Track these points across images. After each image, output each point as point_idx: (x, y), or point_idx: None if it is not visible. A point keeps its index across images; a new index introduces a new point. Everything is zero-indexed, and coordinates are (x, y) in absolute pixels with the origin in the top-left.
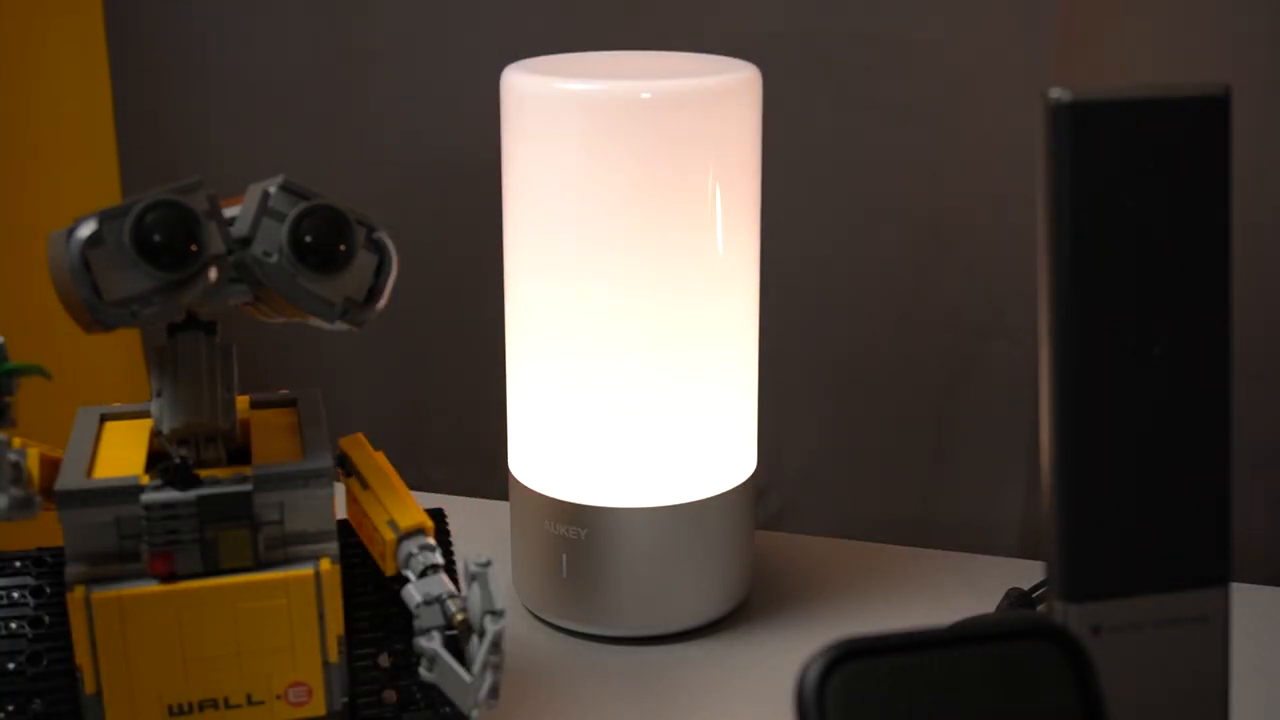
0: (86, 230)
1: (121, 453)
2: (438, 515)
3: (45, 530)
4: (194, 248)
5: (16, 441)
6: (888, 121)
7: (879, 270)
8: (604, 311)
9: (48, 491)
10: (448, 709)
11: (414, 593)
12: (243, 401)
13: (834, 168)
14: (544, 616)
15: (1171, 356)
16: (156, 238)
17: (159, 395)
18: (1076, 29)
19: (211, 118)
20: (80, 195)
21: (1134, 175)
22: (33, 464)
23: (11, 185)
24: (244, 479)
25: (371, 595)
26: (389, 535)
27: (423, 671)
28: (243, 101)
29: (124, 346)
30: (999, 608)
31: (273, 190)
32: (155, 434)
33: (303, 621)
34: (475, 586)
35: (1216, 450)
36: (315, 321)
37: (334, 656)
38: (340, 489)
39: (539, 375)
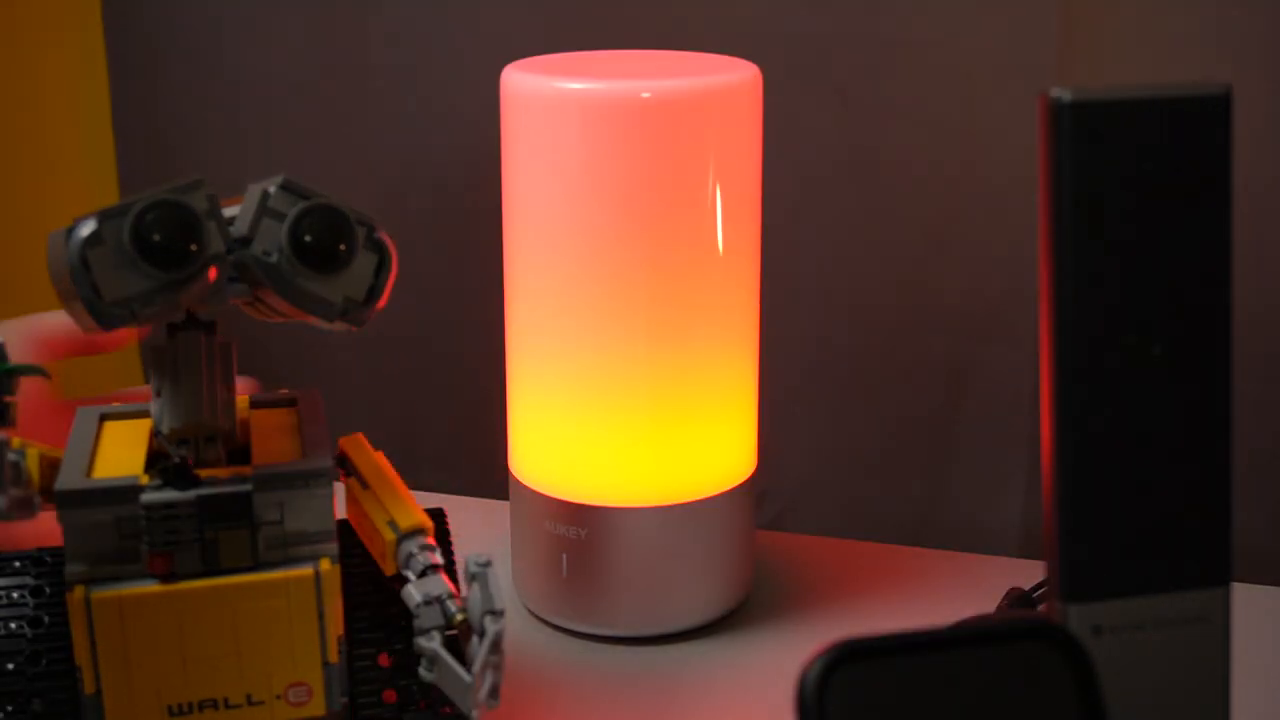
0: (86, 230)
1: (121, 453)
2: (438, 515)
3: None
4: (194, 247)
5: (16, 441)
6: (888, 121)
7: (879, 270)
8: (604, 311)
9: (48, 491)
10: (448, 709)
11: (414, 593)
12: (243, 401)
13: (834, 168)
14: (544, 616)
15: (1171, 356)
16: (156, 237)
17: (158, 395)
18: (1076, 29)
19: (210, 117)
20: (78, 195)
21: (1134, 175)
22: (32, 464)
23: (9, 185)
24: (244, 479)
25: (371, 595)
26: (389, 535)
27: (423, 671)
28: (241, 101)
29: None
30: (999, 608)
31: (273, 190)
32: (155, 434)
33: (303, 621)
34: (475, 586)
35: (1216, 450)
36: (315, 321)
37: (334, 656)
38: (340, 489)
39: (539, 375)
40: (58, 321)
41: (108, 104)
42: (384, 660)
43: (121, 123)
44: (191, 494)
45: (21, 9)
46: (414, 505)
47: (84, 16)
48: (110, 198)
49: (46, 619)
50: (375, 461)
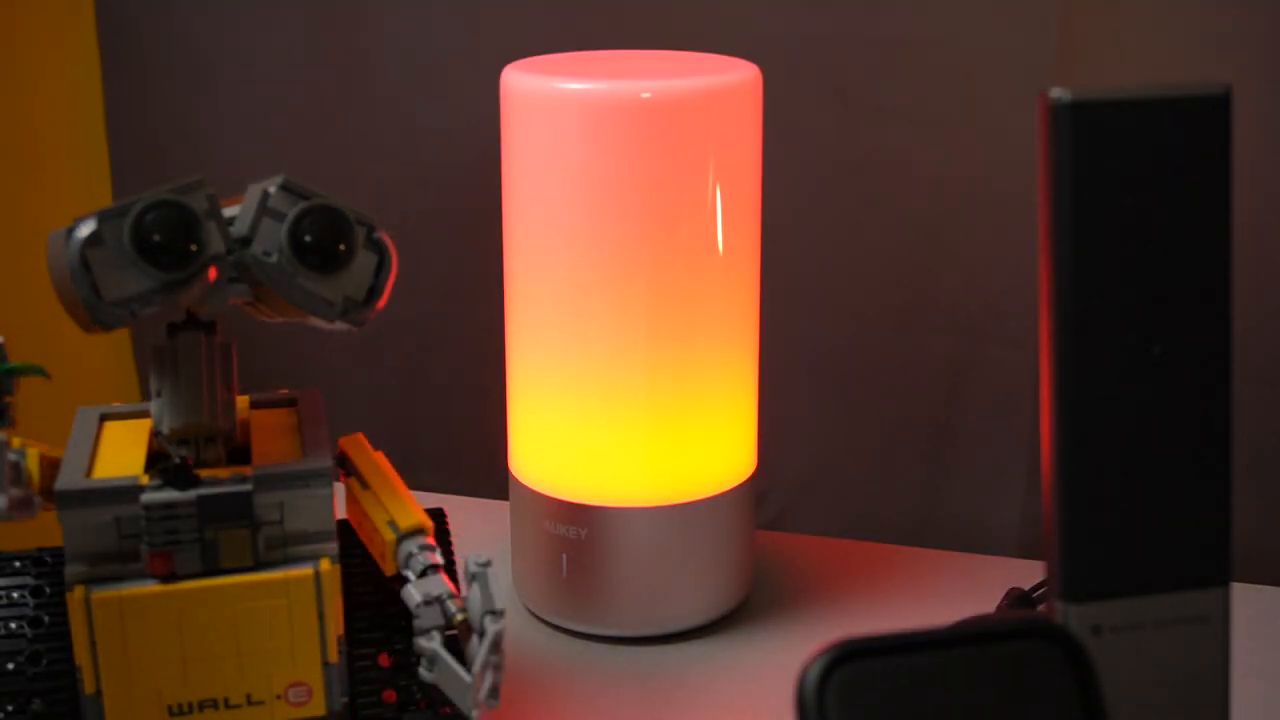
0: (86, 230)
1: (121, 453)
2: (438, 515)
3: (45, 530)
4: (194, 248)
5: (16, 441)
6: (887, 122)
7: (879, 270)
8: (604, 311)
9: (48, 491)
10: (448, 709)
11: (414, 593)
12: (243, 401)
13: (834, 168)
14: (544, 616)
15: (1171, 356)
16: (156, 238)
17: (159, 395)
18: (1076, 29)
19: (206, 118)
20: (71, 196)
21: (1134, 175)
22: (32, 464)
23: (3, 186)
24: (244, 479)
25: (371, 595)
26: (389, 535)
27: (423, 671)
28: (239, 102)
29: (114, 346)
30: (999, 608)
31: (272, 190)
32: (155, 434)
33: (303, 621)
34: (475, 586)
35: (1216, 450)
36: (315, 321)
37: (334, 656)
38: (340, 489)
39: (539, 375)
40: None
41: (101, 104)
42: (384, 660)
43: (115, 123)
44: (191, 494)
45: (16, 9)
46: (414, 505)
47: (78, 16)
48: (103, 199)
49: (46, 619)
50: (375, 461)
